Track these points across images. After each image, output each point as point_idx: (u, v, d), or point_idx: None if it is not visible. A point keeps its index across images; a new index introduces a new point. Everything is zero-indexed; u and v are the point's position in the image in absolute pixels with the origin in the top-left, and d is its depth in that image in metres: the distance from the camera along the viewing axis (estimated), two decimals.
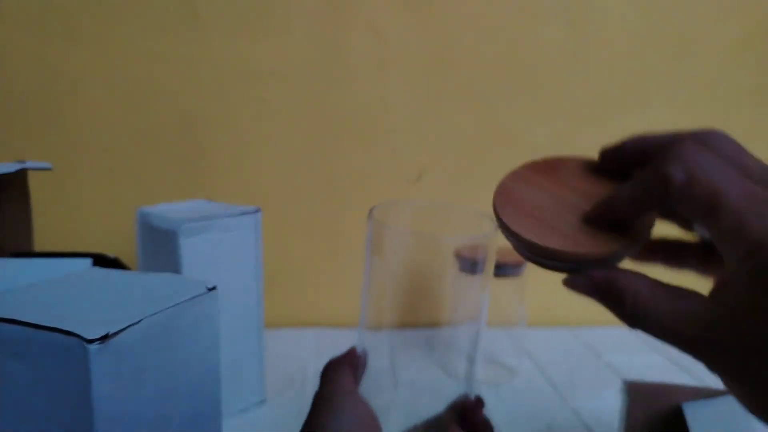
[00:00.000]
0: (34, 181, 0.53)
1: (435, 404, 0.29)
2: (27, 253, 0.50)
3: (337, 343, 0.62)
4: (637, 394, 0.39)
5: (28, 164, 0.48)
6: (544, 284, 0.70)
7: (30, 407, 0.18)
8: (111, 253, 0.41)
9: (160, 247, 0.41)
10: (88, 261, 0.38)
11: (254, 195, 0.64)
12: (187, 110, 0.62)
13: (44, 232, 0.56)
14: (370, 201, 0.65)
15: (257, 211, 0.45)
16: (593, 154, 0.73)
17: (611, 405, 0.49)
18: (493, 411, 0.47)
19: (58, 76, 0.59)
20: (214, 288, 0.24)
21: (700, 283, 0.26)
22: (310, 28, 0.61)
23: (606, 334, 0.66)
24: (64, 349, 0.17)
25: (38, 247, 0.55)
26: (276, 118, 0.63)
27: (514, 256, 0.53)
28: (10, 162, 0.46)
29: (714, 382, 0.25)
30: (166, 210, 0.44)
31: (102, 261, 0.39)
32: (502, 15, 0.62)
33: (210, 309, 0.23)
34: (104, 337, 0.17)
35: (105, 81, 0.60)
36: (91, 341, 0.17)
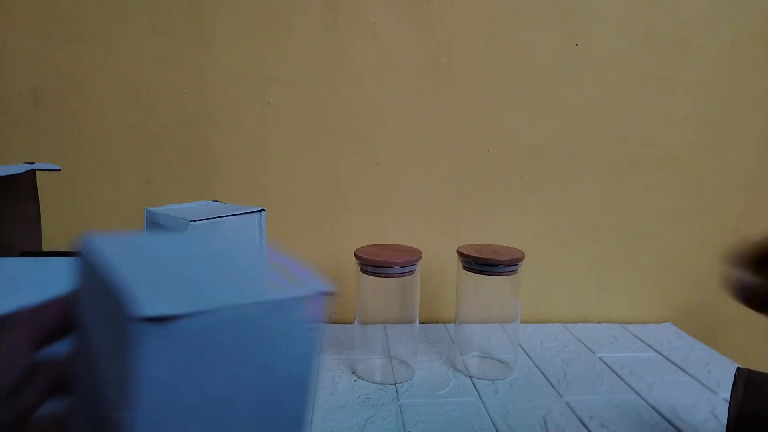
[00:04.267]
0: (42, 181, 0.54)
1: None
2: (35, 252, 0.51)
3: (338, 339, 0.63)
4: (750, 382, 0.38)
5: (37, 165, 0.49)
6: (539, 282, 0.71)
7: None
8: None
9: None
10: None
11: (258, 196, 0.65)
12: (194, 113, 0.63)
13: (52, 232, 0.57)
14: (370, 201, 0.67)
15: (261, 211, 0.46)
16: (587, 154, 0.75)
17: (604, 399, 0.51)
18: (489, 405, 0.49)
19: (67, 79, 0.61)
20: (329, 292, 0.19)
21: None
22: (313, 35, 0.62)
23: (599, 330, 0.68)
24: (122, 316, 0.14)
25: (46, 246, 0.56)
26: (280, 122, 0.64)
27: (510, 255, 0.54)
28: (19, 163, 0.48)
29: None
30: (173, 210, 0.45)
31: None
32: (498, 22, 0.64)
33: (315, 315, 0.19)
34: (162, 319, 0.14)
35: (113, 84, 0.61)
36: (145, 320, 0.14)
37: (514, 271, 0.55)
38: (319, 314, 0.19)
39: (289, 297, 0.17)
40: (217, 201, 0.52)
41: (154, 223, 0.44)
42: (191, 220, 0.41)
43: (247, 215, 0.45)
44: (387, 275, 0.54)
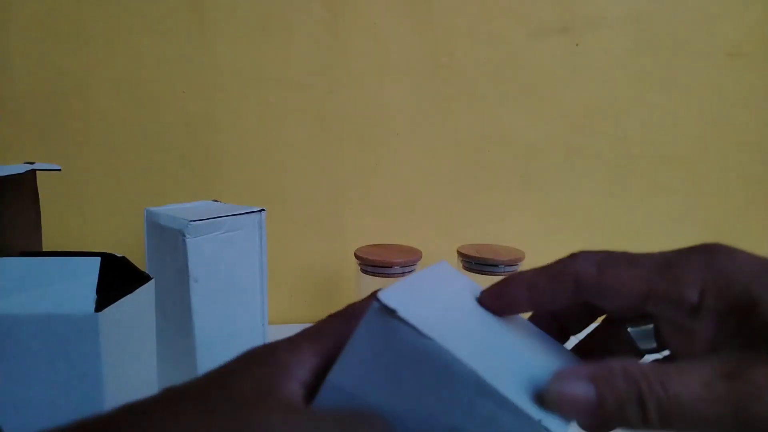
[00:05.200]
0: (42, 182, 0.54)
1: None
2: (36, 252, 0.51)
3: None
4: None
5: (37, 165, 0.49)
6: None
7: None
8: (118, 252, 0.42)
9: (167, 247, 0.42)
10: (97, 260, 0.39)
11: (259, 195, 0.65)
12: (193, 112, 0.63)
13: (53, 232, 0.57)
14: (370, 201, 0.67)
15: (261, 211, 0.46)
16: (587, 154, 0.75)
17: None
18: None
19: (67, 79, 0.60)
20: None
21: None
22: (313, 35, 0.62)
23: None
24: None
25: (47, 246, 0.56)
26: (280, 121, 0.64)
27: (510, 255, 0.54)
28: (19, 163, 0.48)
29: None
30: (173, 210, 0.45)
31: (109, 260, 0.40)
32: (499, 22, 0.64)
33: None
34: None
35: (113, 83, 0.61)
36: None
37: (514, 271, 0.55)
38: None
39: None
40: (217, 201, 0.52)
41: (154, 223, 0.44)
42: (191, 220, 0.41)
43: (247, 215, 0.45)
44: (387, 275, 0.54)
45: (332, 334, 0.18)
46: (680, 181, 0.69)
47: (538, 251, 0.68)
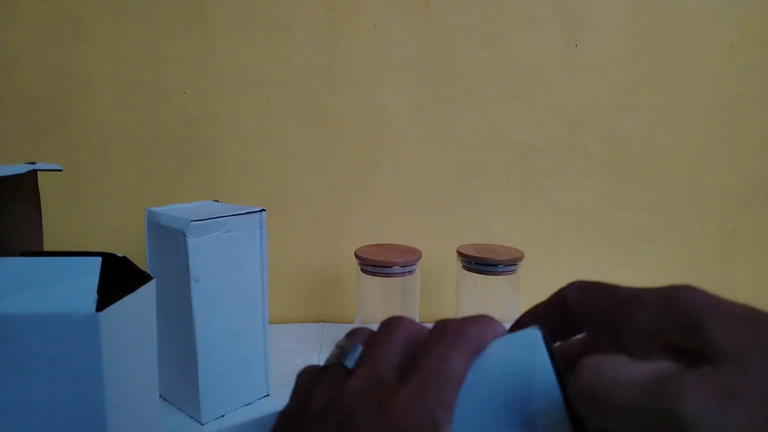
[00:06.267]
0: (43, 182, 0.54)
1: None
2: (36, 252, 0.52)
3: (339, 338, 0.63)
4: None
5: (38, 165, 0.49)
6: (539, 282, 0.71)
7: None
8: (119, 252, 0.42)
9: (168, 246, 0.43)
10: (97, 260, 0.39)
11: (259, 195, 0.65)
12: (194, 113, 0.63)
13: (53, 232, 0.57)
14: (370, 201, 0.67)
15: (262, 211, 0.46)
16: (587, 154, 0.75)
17: None
18: None
19: (68, 79, 0.61)
20: None
21: None
22: (313, 35, 0.62)
23: None
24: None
25: (48, 247, 0.56)
26: (280, 122, 0.64)
27: (509, 255, 0.54)
28: (20, 163, 0.48)
29: None
30: (174, 210, 0.45)
31: (110, 260, 0.40)
32: (498, 22, 0.64)
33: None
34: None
35: (114, 83, 0.61)
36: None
37: (514, 271, 0.55)
38: None
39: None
40: (217, 201, 0.52)
41: (155, 223, 0.44)
42: (192, 220, 0.41)
43: (247, 215, 0.45)
44: (387, 275, 0.54)
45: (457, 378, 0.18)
46: (679, 181, 0.69)
47: (538, 251, 0.69)
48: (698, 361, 0.15)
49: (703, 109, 0.68)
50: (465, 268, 0.56)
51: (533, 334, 0.18)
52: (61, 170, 0.49)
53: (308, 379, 0.20)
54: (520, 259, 0.54)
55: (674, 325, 0.17)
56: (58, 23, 0.59)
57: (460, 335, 0.18)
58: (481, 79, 0.65)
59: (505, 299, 0.57)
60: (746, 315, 0.16)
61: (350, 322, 0.67)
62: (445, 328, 0.18)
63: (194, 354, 0.43)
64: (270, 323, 0.48)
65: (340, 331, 0.64)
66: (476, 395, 0.17)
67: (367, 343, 0.20)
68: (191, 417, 0.45)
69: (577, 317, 0.20)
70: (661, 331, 0.17)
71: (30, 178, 0.51)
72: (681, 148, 0.69)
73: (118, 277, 0.33)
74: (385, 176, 0.66)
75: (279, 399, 0.49)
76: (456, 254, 0.58)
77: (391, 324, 0.20)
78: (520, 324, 0.22)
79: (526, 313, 0.22)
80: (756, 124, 0.69)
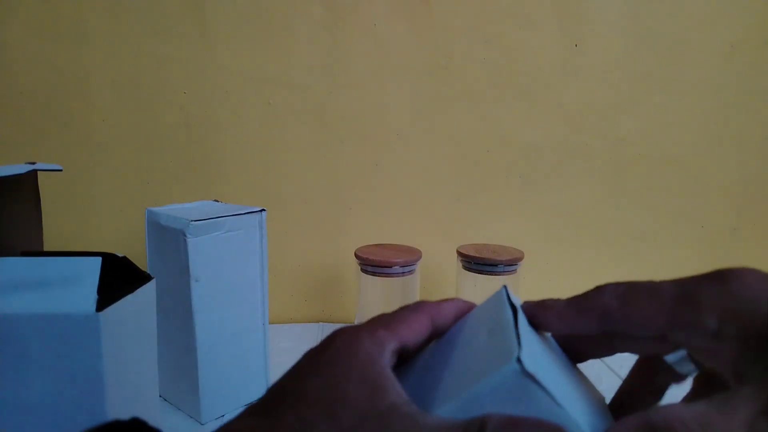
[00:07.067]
0: (44, 182, 0.54)
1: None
2: (37, 252, 0.52)
3: None
4: None
5: (39, 165, 0.49)
6: (539, 282, 0.71)
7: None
8: (120, 252, 0.42)
9: (168, 246, 0.43)
10: (97, 260, 0.39)
11: (259, 196, 0.65)
12: (194, 113, 0.63)
13: (54, 232, 0.57)
14: (370, 201, 0.67)
15: (262, 211, 0.46)
16: (587, 154, 0.75)
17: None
18: None
19: (68, 79, 0.61)
20: None
21: None
22: (313, 35, 0.62)
23: None
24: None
25: (48, 246, 0.56)
26: (280, 122, 0.64)
27: (509, 255, 0.54)
28: (20, 163, 0.48)
29: None
30: (174, 210, 0.45)
31: (110, 260, 0.40)
32: (498, 22, 0.64)
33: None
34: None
35: (114, 84, 0.61)
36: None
37: (514, 271, 0.55)
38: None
39: None
40: (217, 201, 0.52)
41: (155, 223, 0.44)
42: (192, 220, 0.41)
43: (247, 215, 0.45)
44: (387, 275, 0.54)
45: (405, 320, 0.21)
46: (679, 181, 0.69)
47: (538, 251, 0.69)
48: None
49: (703, 109, 0.68)
50: (465, 268, 0.56)
51: (501, 291, 0.23)
52: (61, 170, 0.49)
53: None
54: (520, 259, 0.54)
55: (742, 322, 0.16)
56: (58, 23, 0.59)
57: (425, 303, 0.22)
58: (481, 79, 0.65)
59: None
60: None
61: (350, 323, 0.67)
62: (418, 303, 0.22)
63: (194, 354, 0.43)
64: (270, 323, 0.48)
65: None
66: (467, 324, 0.22)
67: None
68: (191, 417, 0.45)
69: (621, 327, 0.19)
70: (729, 332, 0.16)
71: (30, 178, 0.51)
72: (681, 148, 0.69)
73: (118, 277, 0.33)
74: (385, 176, 0.66)
75: None
76: (456, 254, 0.58)
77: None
78: (540, 316, 0.21)
79: (546, 306, 0.21)
80: (756, 124, 0.69)
